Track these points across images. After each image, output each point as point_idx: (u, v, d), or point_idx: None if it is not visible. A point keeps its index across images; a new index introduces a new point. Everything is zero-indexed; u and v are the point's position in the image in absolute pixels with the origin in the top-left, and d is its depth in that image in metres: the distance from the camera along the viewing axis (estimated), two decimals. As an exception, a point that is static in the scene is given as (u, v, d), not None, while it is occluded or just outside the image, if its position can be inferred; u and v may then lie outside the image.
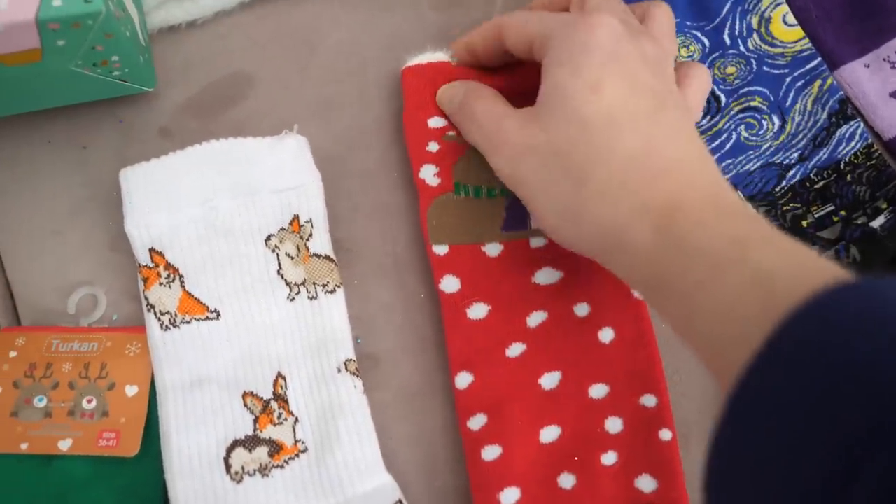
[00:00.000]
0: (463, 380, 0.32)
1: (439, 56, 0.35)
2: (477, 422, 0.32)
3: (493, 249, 0.33)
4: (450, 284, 0.33)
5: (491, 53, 0.33)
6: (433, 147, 0.34)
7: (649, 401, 0.32)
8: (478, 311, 0.33)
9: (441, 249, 0.33)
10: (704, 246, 0.24)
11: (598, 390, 0.32)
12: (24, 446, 0.31)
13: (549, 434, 0.32)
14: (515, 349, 0.32)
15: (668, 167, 0.26)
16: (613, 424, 0.32)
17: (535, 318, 0.33)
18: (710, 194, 0.26)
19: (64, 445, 0.31)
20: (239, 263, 0.33)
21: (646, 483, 0.31)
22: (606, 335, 0.33)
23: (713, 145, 0.37)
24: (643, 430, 0.32)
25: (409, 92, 0.35)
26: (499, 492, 0.30)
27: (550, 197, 0.27)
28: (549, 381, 0.32)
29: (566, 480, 0.31)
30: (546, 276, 0.33)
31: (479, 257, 0.33)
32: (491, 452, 0.31)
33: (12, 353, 0.33)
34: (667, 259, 0.25)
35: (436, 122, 0.35)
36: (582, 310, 0.33)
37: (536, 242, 0.34)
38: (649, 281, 0.26)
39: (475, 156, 0.34)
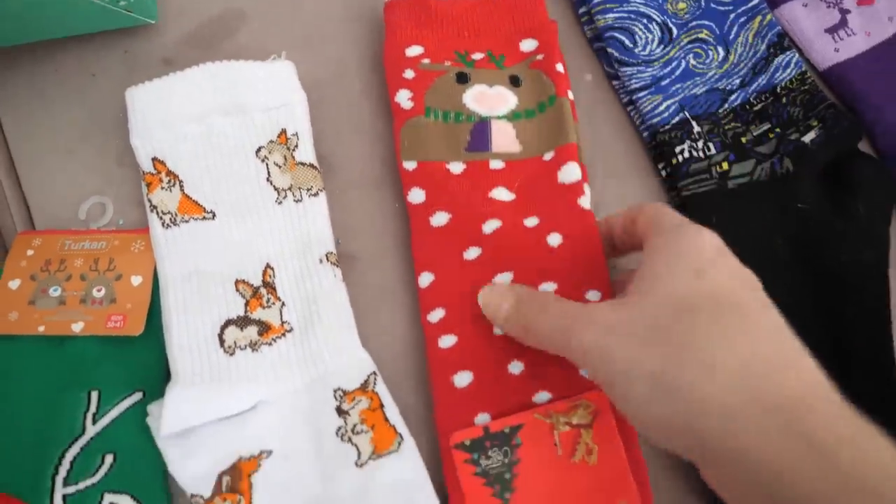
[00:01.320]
0: (425, 279, 0.35)
1: None
2: (436, 315, 0.35)
3: (456, 167, 0.37)
4: (416, 196, 0.36)
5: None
6: (409, 74, 0.38)
7: (594, 296, 0.34)
8: (440, 218, 0.36)
9: (410, 165, 0.37)
10: (859, 473, 0.21)
11: (546, 287, 0.34)
12: (41, 329, 0.35)
13: None
14: (472, 252, 0.35)
15: (792, 361, 0.24)
16: None
17: (490, 226, 0.35)
18: (836, 400, 0.23)
19: (76, 327, 0.35)
20: (232, 171, 0.37)
21: None
22: (554, 239, 0.35)
23: (665, 71, 0.41)
24: None
25: (390, 25, 0.39)
26: (453, 374, 0.34)
27: (644, 368, 0.24)
28: (502, 280, 0.35)
29: (515, 367, 0.34)
30: (501, 194, 0.36)
31: (443, 173, 0.36)
32: (447, 341, 0.34)
33: (29, 252, 0.36)
34: (807, 473, 0.21)
35: (412, 50, 0.38)
36: (531, 221, 0.36)
37: (495, 164, 0.37)
38: (764, 493, 0.22)
39: (445, 83, 0.38)
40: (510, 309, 0.31)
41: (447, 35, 0.39)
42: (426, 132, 0.37)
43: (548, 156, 0.36)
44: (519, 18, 0.40)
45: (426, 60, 0.38)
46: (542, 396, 0.33)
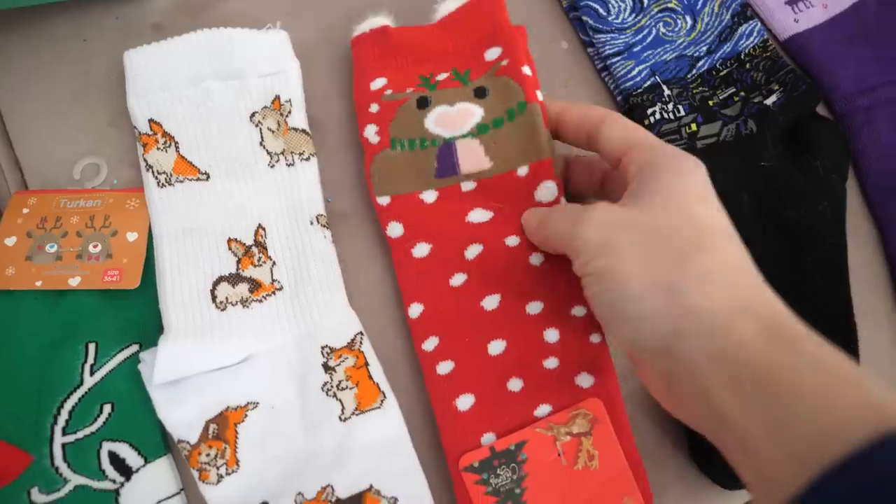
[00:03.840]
0: (415, 310, 0.36)
1: (380, 20, 0.39)
2: (430, 343, 0.35)
3: (429, 196, 0.37)
4: (395, 230, 0.37)
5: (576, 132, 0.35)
6: (374, 108, 0.38)
7: (579, 311, 0.35)
8: (421, 250, 0.36)
9: (384, 200, 0.37)
10: (824, 357, 0.24)
11: (534, 307, 0.35)
12: (38, 283, 0.36)
13: (496, 347, 0.35)
14: (457, 279, 0.36)
15: (763, 287, 0.27)
16: (551, 335, 0.35)
17: (472, 251, 0.36)
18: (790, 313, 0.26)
19: (73, 282, 0.36)
20: (226, 135, 0.38)
21: (584, 380, 0.34)
22: (536, 259, 0.35)
23: (637, 38, 0.43)
24: (576, 336, 0.35)
25: (356, 60, 0.39)
26: (454, 399, 0.34)
27: (645, 267, 0.27)
28: (490, 302, 0.35)
29: (514, 384, 0.35)
30: (478, 216, 0.36)
31: (418, 204, 0.36)
32: (445, 367, 0.35)
33: (25, 210, 0.37)
34: (777, 359, 0.24)
35: (376, 83, 0.38)
36: (512, 241, 0.36)
37: (467, 187, 0.36)
38: (739, 376, 0.24)
39: (406, 112, 0.37)
40: (535, 225, 0.34)
41: (411, 62, 0.39)
42: (394, 165, 0.37)
43: (522, 171, 0.35)
44: (481, 28, 0.38)
45: (388, 91, 0.38)
46: (544, 409, 0.34)
